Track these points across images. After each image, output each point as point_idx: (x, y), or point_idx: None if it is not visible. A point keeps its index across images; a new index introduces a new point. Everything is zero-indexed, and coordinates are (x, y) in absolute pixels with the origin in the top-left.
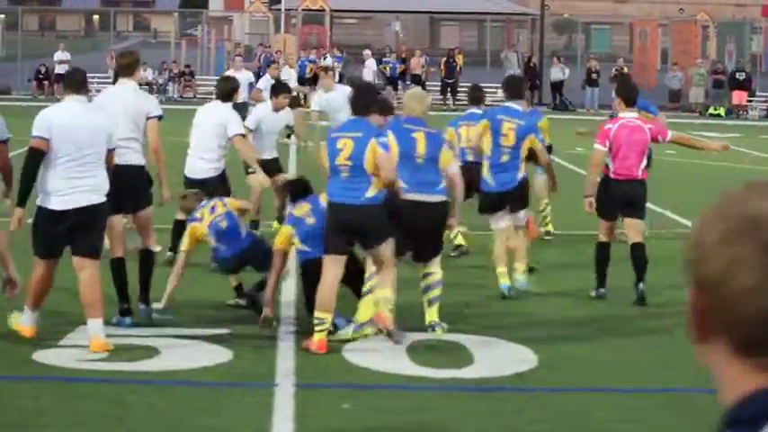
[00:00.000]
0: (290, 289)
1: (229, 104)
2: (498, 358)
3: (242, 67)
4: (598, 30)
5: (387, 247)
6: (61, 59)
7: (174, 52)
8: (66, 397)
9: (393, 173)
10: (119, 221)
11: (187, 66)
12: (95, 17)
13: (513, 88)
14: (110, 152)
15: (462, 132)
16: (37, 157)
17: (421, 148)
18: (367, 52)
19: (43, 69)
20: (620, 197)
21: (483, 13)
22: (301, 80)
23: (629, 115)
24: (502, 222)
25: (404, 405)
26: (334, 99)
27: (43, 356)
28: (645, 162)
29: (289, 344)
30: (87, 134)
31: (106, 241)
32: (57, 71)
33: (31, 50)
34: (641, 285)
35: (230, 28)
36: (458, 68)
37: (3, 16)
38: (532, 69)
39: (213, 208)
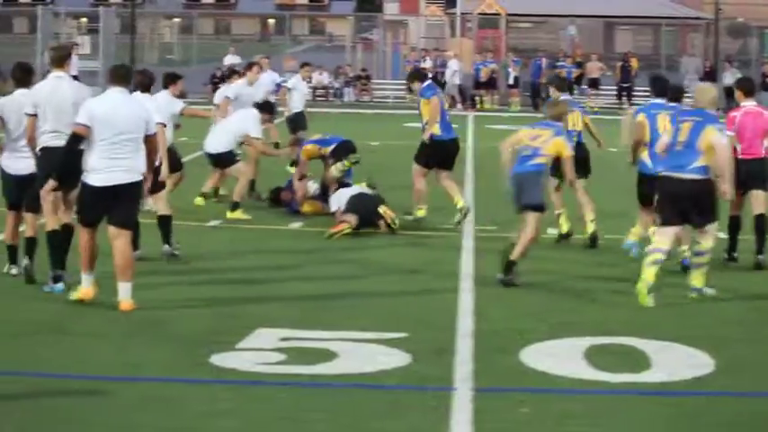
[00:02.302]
0: (467, 282)
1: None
2: (676, 362)
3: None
4: None
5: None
6: (231, 63)
7: (350, 56)
8: (243, 400)
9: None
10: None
11: (363, 70)
12: (270, 21)
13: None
14: (149, 137)
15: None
16: (75, 141)
17: (682, 136)
18: (449, 53)
19: (218, 73)
20: (746, 174)
21: (658, 18)
22: (477, 83)
23: (749, 103)
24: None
25: (582, 409)
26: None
27: (220, 360)
28: (766, 142)
29: (467, 347)
30: (124, 121)
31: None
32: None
33: (205, 54)
34: (761, 256)
35: (406, 32)
36: (633, 72)
37: (178, 20)
38: (711, 74)
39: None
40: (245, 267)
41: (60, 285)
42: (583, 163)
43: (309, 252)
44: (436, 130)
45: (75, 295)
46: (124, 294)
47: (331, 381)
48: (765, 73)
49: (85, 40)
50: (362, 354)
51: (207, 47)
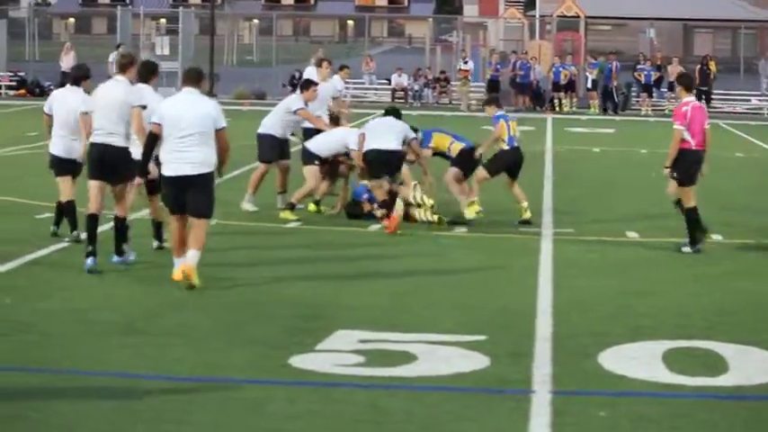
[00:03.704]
0: (546, 285)
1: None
2: (753, 366)
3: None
4: None
5: None
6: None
7: (429, 58)
8: (321, 402)
9: None
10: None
11: (442, 72)
12: (350, 23)
13: None
14: (218, 132)
15: None
16: (152, 138)
17: None
18: (464, 53)
19: (297, 75)
20: (699, 164)
21: (737, 21)
22: (556, 86)
23: (691, 98)
24: None
25: (661, 413)
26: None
27: (299, 361)
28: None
29: (545, 350)
30: (192, 119)
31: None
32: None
33: (285, 56)
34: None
35: (485, 34)
36: (711, 76)
37: (257, 21)
38: None
39: None
40: (324, 269)
41: (90, 261)
42: (519, 165)
43: (388, 254)
44: (459, 145)
45: (175, 276)
46: (191, 260)
47: (409, 383)
48: None
49: (164, 41)
50: (441, 356)
51: (286, 48)
